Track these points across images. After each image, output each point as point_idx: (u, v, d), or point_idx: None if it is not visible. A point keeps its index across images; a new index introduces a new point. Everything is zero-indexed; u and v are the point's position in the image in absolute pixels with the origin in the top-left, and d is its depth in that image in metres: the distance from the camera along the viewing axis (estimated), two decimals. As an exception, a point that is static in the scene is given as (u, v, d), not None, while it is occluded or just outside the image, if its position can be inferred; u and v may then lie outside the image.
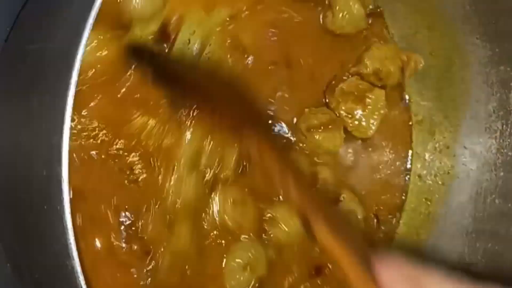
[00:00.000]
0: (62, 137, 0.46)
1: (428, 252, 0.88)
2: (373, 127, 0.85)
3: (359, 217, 0.85)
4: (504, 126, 0.82)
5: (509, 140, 0.82)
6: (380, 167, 0.90)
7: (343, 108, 0.85)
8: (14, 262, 0.61)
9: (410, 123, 0.92)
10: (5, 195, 0.58)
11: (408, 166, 0.92)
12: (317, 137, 0.83)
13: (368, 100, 0.84)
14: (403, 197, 0.91)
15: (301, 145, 0.83)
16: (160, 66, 0.70)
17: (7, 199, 0.58)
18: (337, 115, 0.84)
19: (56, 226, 0.47)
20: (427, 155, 0.91)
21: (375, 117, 0.85)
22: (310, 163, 0.84)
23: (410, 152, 0.92)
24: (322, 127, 0.83)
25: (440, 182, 0.90)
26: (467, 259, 0.83)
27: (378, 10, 0.87)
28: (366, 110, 0.85)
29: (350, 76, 0.86)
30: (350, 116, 0.84)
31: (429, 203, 0.90)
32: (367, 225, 0.87)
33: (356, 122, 0.85)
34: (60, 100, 0.47)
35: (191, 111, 0.71)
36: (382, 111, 0.85)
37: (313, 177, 0.83)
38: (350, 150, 0.87)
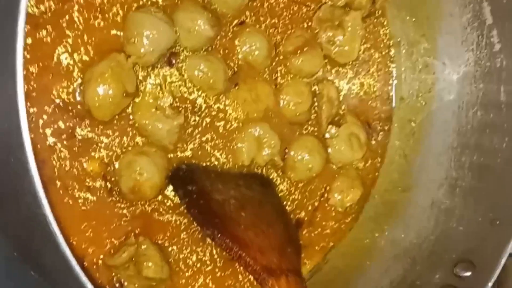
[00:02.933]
0: (16, 87, 0.46)
1: (417, 171, 0.88)
2: (356, 50, 0.86)
3: (361, 140, 0.87)
4: (480, 37, 0.81)
5: (485, 51, 0.81)
6: (364, 90, 0.90)
7: (323, 36, 0.84)
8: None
9: (388, 45, 0.91)
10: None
11: (390, 88, 0.91)
12: (296, 61, 0.82)
13: (346, 23, 0.84)
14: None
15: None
16: (195, 199, 0.73)
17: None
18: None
19: (23, 177, 0.47)
20: (407, 76, 0.91)
21: (356, 39, 0.85)
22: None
23: (390, 74, 0.91)
24: (298, 51, 0.83)
25: (423, 102, 0.89)
26: (454, 174, 0.83)
27: None
28: (346, 34, 0.84)
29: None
30: (331, 42, 0.84)
31: (413, 124, 0.90)
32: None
33: (338, 48, 0.84)
34: (9, 47, 0.46)
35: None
36: (360, 32, 0.85)
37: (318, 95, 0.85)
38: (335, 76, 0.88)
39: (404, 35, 0.90)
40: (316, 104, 0.85)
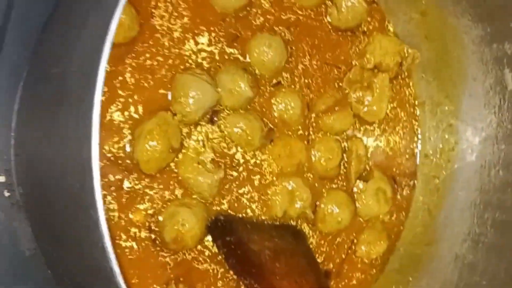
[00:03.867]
0: (91, 152, 0.51)
1: (440, 226, 0.92)
2: (384, 109, 0.91)
3: (388, 195, 0.91)
4: (502, 100, 0.86)
5: (507, 114, 0.85)
6: (390, 147, 0.94)
7: (353, 96, 0.90)
8: (53, 268, 0.66)
9: (414, 104, 0.96)
10: (41, 206, 0.63)
11: (415, 146, 0.96)
12: (328, 120, 0.88)
13: (374, 85, 0.89)
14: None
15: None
16: (233, 249, 0.77)
17: (43, 210, 0.63)
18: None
19: (92, 232, 0.52)
20: (431, 135, 0.95)
21: (384, 99, 0.91)
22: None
23: (415, 133, 0.96)
24: (330, 110, 0.88)
25: (446, 160, 0.94)
26: (477, 230, 0.87)
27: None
28: (375, 94, 0.90)
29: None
30: (360, 102, 0.90)
31: (437, 180, 0.94)
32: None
33: (367, 108, 0.90)
34: (85, 117, 0.51)
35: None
36: (388, 93, 0.90)
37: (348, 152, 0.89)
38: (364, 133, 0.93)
39: (428, 96, 0.95)
40: (345, 160, 0.90)
